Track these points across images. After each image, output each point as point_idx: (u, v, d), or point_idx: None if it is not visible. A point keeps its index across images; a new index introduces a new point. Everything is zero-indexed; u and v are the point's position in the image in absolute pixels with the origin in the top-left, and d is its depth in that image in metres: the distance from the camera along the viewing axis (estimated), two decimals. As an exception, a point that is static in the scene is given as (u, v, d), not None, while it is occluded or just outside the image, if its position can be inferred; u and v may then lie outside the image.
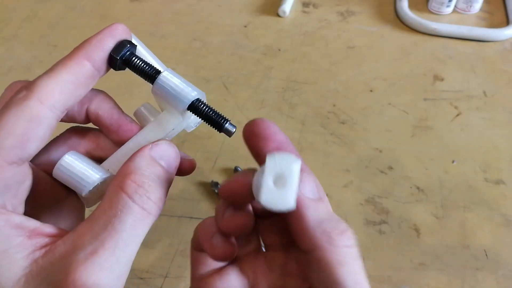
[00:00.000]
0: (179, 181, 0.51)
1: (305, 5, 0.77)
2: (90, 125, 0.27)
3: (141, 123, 0.26)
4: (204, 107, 0.24)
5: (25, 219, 0.20)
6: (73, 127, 0.26)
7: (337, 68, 0.65)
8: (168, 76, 0.23)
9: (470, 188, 0.50)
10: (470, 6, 0.73)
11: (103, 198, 0.21)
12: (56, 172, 0.23)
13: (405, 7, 0.73)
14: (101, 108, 0.25)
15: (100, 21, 0.74)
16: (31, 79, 0.22)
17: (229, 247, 0.25)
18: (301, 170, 0.21)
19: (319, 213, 0.21)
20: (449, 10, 0.74)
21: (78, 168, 0.23)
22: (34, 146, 0.21)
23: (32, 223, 0.20)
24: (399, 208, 0.49)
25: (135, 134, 0.25)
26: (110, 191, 0.21)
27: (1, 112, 0.20)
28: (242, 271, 0.26)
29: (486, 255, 0.45)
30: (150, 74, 0.24)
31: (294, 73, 0.65)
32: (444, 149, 0.54)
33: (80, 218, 0.27)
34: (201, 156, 0.54)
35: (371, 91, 0.62)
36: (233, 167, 0.52)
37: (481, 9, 0.75)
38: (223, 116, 0.24)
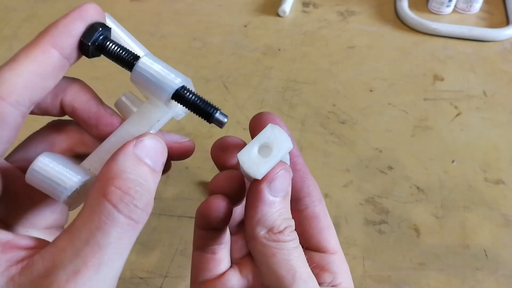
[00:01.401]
0: (179, 181, 0.51)
1: (305, 5, 0.77)
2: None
3: (123, 115, 0.23)
4: (191, 96, 0.21)
5: None
6: (53, 120, 0.24)
7: (337, 68, 0.65)
8: (147, 62, 0.20)
9: (470, 188, 0.50)
10: (470, 6, 0.73)
11: (83, 206, 0.19)
12: (28, 178, 0.20)
13: (405, 7, 0.73)
14: (77, 100, 0.22)
15: (100, 21, 0.74)
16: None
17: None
18: (282, 165, 0.22)
19: (272, 209, 0.22)
20: (449, 10, 0.74)
21: (53, 172, 0.20)
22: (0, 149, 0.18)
23: (4, 236, 0.18)
24: (399, 208, 0.49)
25: (116, 127, 0.22)
26: (91, 198, 0.18)
27: None
28: (242, 274, 0.27)
29: (486, 255, 0.45)
30: (127, 61, 0.21)
31: (294, 73, 0.65)
32: (444, 149, 0.55)
33: (65, 216, 0.26)
34: (201, 156, 0.53)
35: (371, 91, 0.62)
36: (233, 167, 0.52)
37: (481, 9, 0.75)
38: (212, 105, 0.22)
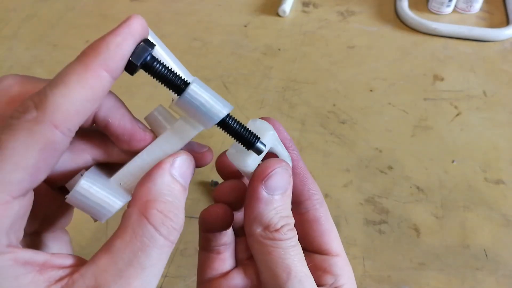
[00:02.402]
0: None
1: (305, 5, 0.77)
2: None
3: (155, 129, 0.23)
4: (235, 125, 0.22)
5: (33, 253, 0.18)
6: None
7: (337, 68, 0.65)
8: (197, 91, 0.20)
9: (470, 188, 0.50)
10: (470, 6, 0.73)
11: (124, 224, 0.19)
12: (71, 200, 0.21)
13: (405, 7, 0.73)
14: (112, 116, 0.21)
15: (100, 21, 0.74)
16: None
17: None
18: (279, 163, 0.23)
19: (268, 207, 0.22)
20: (449, 10, 0.74)
21: (98, 195, 0.21)
22: (44, 176, 0.18)
23: (42, 257, 0.18)
24: (399, 208, 0.49)
25: (148, 143, 0.22)
26: (133, 219, 0.19)
27: (6, 135, 0.17)
28: (246, 274, 0.27)
29: (486, 255, 0.45)
30: (175, 84, 0.21)
31: (294, 73, 0.65)
32: (444, 149, 0.54)
33: (69, 219, 0.26)
34: (201, 156, 0.53)
35: (371, 91, 0.62)
36: (233, 167, 0.52)
37: (481, 9, 0.75)
38: (253, 133, 0.23)
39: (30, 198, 0.19)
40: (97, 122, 0.21)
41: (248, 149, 0.23)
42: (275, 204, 0.22)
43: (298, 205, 0.26)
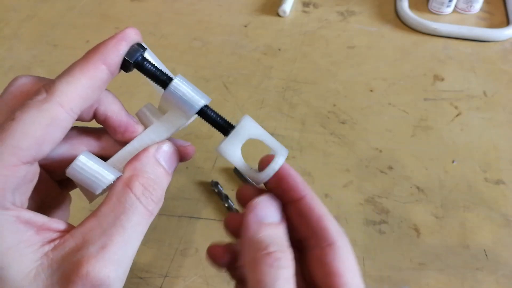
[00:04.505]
0: (179, 181, 0.51)
1: (305, 5, 0.77)
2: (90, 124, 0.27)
3: (143, 123, 0.27)
4: (212, 114, 0.26)
5: (34, 214, 0.21)
6: (73, 126, 0.27)
7: (337, 68, 0.65)
8: (180, 83, 0.25)
9: (470, 188, 0.50)
10: (470, 6, 0.73)
11: (110, 194, 0.23)
12: (70, 172, 0.24)
13: (405, 7, 0.73)
14: (110, 110, 0.25)
15: (100, 21, 0.74)
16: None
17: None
18: (264, 196, 0.25)
19: (258, 231, 0.24)
20: (449, 10, 0.74)
21: (94, 168, 0.24)
22: (49, 148, 0.22)
23: (40, 219, 0.21)
24: (399, 208, 0.49)
25: (139, 134, 0.26)
26: (119, 189, 0.23)
27: (20, 112, 0.21)
28: None
29: (486, 255, 0.45)
30: (161, 79, 0.25)
31: (294, 73, 0.65)
32: (444, 149, 0.54)
33: (67, 212, 0.28)
34: (201, 156, 0.53)
35: (371, 91, 0.62)
36: (233, 167, 0.52)
37: (481, 9, 0.75)
38: (229, 122, 0.26)
39: (35, 169, 0.22)
40: (98, 115, 0.25)
41: (225, 136, 0.26)
42: (266, 231, 0.24)
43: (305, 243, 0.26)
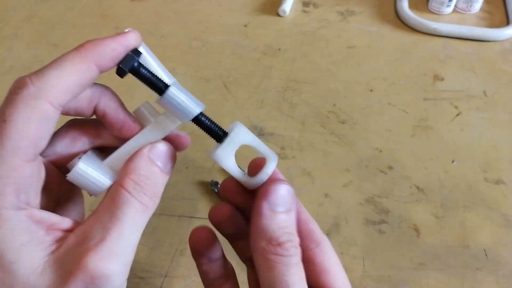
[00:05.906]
0: (179, 181, 0.51)
1: (305, 4, 0.77)
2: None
3: (141, 122, 0.27)
4: (207, 121, 0.26)
5: (46, 214, 0.22)
6: (73, 119, 0.28)
7: (337, 68, 0.65)
8: (175, 92, 0.25)
9: (470, 188, 0.50)
10: (470, 6, 0.73)
11: (106, 194, 0.23)
12: (71, 177, 0.25)
13: (405, 7, 0.73)
14: (109, 107, 0.26)
15: (100, 20, 0.74)
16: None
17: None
18: (276, 179, 0.25)
19: (271, 222, 0.24)
20: (449, 10, 0.74)
21: (92, 175, 0.25)
22: (44, 143, 0.23)
23: (52, 218, 0.23)
24: (399, 208, 0.49)
25: (136, 133, 0.27)
26: (112, 189, 0.23)
27: (10, 111, 0.21)
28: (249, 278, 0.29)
29: (486, 255, 0.45)
30: (157, 87, 0.25)
31: (294, 73, 0.65)
32: (444, 149, 0.55)
33: (82, 206, 0.29)
34: (201, 156, 0.53)
35: (371, 91, 0.62)
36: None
37: (481, 9, 0.75)
38: (222, 129, 0.27)
39: (39, 164, 0.23)
40: (97, 112, 0.26)
41: (218, 142, 0.27)
42: (278, 220, 0.24)
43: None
